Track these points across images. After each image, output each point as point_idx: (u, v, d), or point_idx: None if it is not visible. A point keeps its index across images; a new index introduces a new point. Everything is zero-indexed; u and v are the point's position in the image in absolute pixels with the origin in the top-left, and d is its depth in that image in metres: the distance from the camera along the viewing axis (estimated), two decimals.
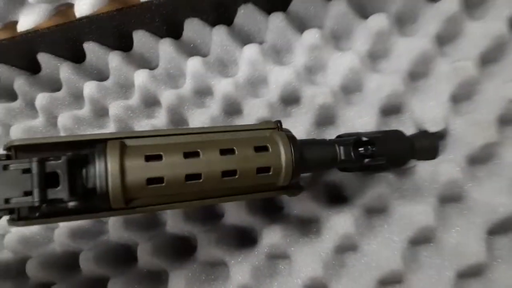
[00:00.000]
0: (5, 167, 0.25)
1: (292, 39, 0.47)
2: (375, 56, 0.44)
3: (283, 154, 0.30)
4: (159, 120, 0.49)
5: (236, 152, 0.30)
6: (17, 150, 0.28)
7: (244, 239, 0.43)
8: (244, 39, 0.49)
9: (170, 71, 0.51)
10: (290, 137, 0.31)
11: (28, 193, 0.25)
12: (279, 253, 0.40)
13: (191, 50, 0.50)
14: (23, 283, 0.48)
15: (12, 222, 0.28)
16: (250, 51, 0.45)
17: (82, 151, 0.28)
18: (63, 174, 0.26)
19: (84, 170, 0.27)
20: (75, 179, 0.26)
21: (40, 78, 0.55)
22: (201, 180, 0.29)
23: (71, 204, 0.26)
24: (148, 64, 0.53)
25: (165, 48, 0.49)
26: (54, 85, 0.55)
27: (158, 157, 0.28)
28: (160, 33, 0.50)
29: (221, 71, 0.49)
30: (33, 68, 0.55)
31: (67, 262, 0.48)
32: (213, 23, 0.49)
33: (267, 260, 0.41)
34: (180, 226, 0.44)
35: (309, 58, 0.45)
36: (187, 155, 0.29)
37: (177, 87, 0.51)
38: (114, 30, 0.50)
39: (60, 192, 0.26)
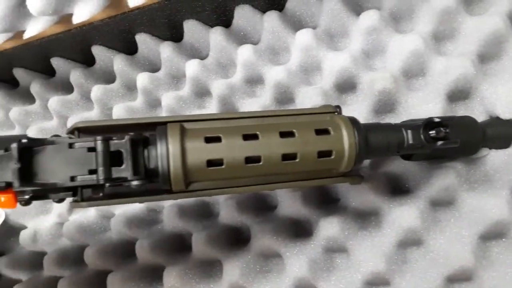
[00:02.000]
0: (70, 146, 0.25)
1: (347, 22, 0.44)
2: (440, 37, 0.41)
3: (346, 138, 0.28)
4: (210, 110, 0.49)
5: (297, 135, 0.28)
6: (80, 132, 0.28)
7: (299, 231, 0.42)
8: (296, 24, 0.47)
9: (221, 60, 0.50)
10: (353, 120, 0.29)
11: (93, 172, 0.25)
12: (336, 247, 0.38)
13: (242, 38, 0.49)
14: (81, 270, 0.49)
15: (76, 203, 0.28)
16: (303, 37, 0.44)
17: (143, 133, 0.28)
18: (126, 153, 0.25)
19: (145, 152, 0.27)
20: (137, 159, 0.26)
21: (95, 70, 0.56)
22: (260, 163, 0.28)
23: (134, 184, 0.26)
24: (198, 53, 0.52)
25: (216, 37, 0.48)
26: (108, 77, 0.56)
27: (218, 139, 0.27)
28: (210, 22, 0.50)
29: (272, 59, 0.48)
30: (88, 60, 0.56)
31: (123, 250, 0.48)
32: (263, 9, 0.48)
33: (323, 253, 0.39)
34: (234, 217, 0.43)
35: (366, 42, 0.43)
36: (246, 137, 0.28)
37: (227, 77, 0.50)
38: (165, 21, 0.50)
39: (124, 171, 0.25)
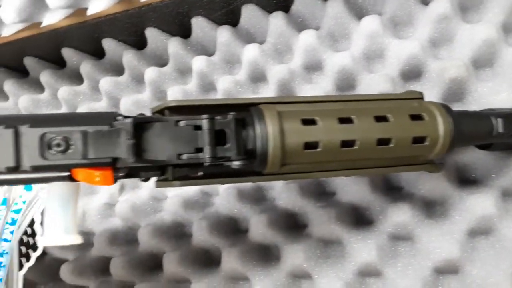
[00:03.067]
0: (176, 123, 0.25)
1: (414, 10, 0.44)
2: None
3: (441, 124, 0.28)
4: (267, 95, 0.49)
5: (391, 120, 0.28)
6: (171, 112, 0.28)
7: (359, 218, 0.42)
8: (358, 11, 0.47)
9: (278, 46, 0.50)
10: (446, 107, 0.29)
11: (199, 150, 0.25)
12: (403, 234, 0.39)
13: (300, 24, 0.49)
14: (132, 250, 0.49)
15: (165, 182, 0.29)
16: (369, 23, 0.43)
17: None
18: (230, 132, 0.26)
19: (243, 132, 0.27)
20: (240, 139, 0.26)
21: (147, 53, 0.56)
22: (355, 148, 0.28)
23: (235, 164, 0.26)
24: (252, 39, 0.52)
25: (277, 22, 0.48)
26: (161, 60, 0.56)
27: (314, 122, 0.27)
28: (268, 8, 0.50)
29: (331, 45, 0.48)
30: (140, 43, 0.56)
31: (178, 231, 0.49)
32: None
33: (389, 240, 0.39)
34: (294, 201, 0.44)
35: (435, 31, 0.42)
36: (342, 120, 0.28)
37: (282, 62, 0.50)
38: (223, 4, 0.50)
39: (228, 150, 0.25)
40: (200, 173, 0.27)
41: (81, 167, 0.24)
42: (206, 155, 0.25)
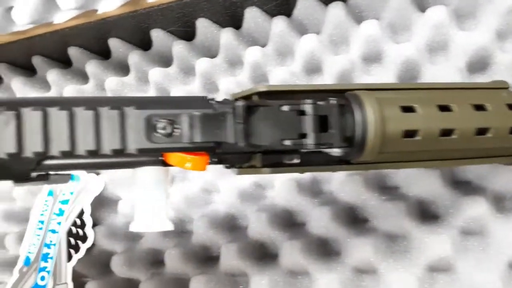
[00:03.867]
0: (279, 108, 0.25)
1: (479, 1, 0.43)
2: None
3: None
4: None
5: (489, 109, 0.27)
6: (260, 97, 0.28)
7: (425, 212, 0.41)
8: (420, 3, 0.46)
9: (333, 37, 0.49)
10: None
11: (302, 136, 0.25)
12: (475, 228, 0.38)
13: (359, 14, 0.48)
14: (186, 243, 0.49)
15: (250, 170, 0.28)
16: (436, 14, 0.43)
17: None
18: (333, 118, 0.25)
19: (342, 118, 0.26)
20: (342, 126, 0.25)
21: (196, 44, 0.55)
22: (454, 137, 0.27)
23: (336, 151, 0.25)
24: (305, 30, 0.51)
25: (336, 13, 0.47)
26: (209, 52, 0.55)
27: (413, 109, 0.27)
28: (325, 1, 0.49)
29: (391, 36, 0.47)
30: (188, 34, 0.55)
31: (231, 224, 0.48)
32: None
33: (460, 234, 0.38)
34: (356, 195, 0.43)
35: (501, 23, 0.42)
36: (442, 108, 0.27)
37: (337, 53, 0.49)
38: None
39: (331, 137, 0.25)
40: (297, 161, 0.26)
41: (185, 151, 0.24)
42: (309, 141, 0.24)
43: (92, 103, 0.23)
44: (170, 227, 0.27)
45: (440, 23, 0.43)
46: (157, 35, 0.56)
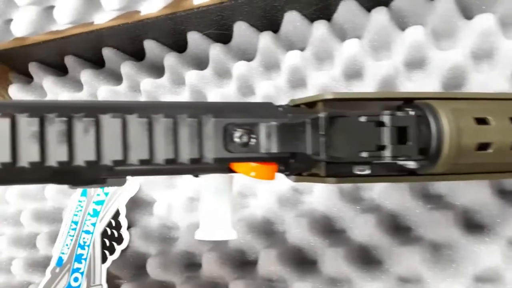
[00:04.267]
0: (357, 118, 0.24)
1: None
2: None
3: None
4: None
5: None
6: (325, 105, 0.27)
7: (469, 221, 0.41)
8: (466, 10, 0.46)
9: (374, 43, 0.49)
10: None
11: (381, 148, 0.24)
12: None
13: (402, 20, 0.48)
14: (220, 246, 0.49)
15: (312, 178, 0.28)
16: (483, 21, 0.42)
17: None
18: (413, 130, 0.24)
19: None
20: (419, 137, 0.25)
21: (232, 47, 0.55)
22: None
23: (411, 164, 0.25)
24: (345, 35, 0.51)
25: (380, 18, 0.47)
26: (244, 55, 0.55)
27: (486, 121, 0.26)
28: (367, 4, 0.49)
29: (435, 43, 0.46)
30: (224, 38, 0.55)
31: (267, 228, 0.48)
32: None
33: (508, 244, 0.38)
34: (400, 203, 0.42)
35: None
36: None
37: (378, 59, 0.49)
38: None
39: (409, 149, 0.24)
40: (367, 171, 0.26)
41: (261, 162, 0.24)
42: (387, 154, 0.24)
43: (170, 110, 0.23)
44: (234, 236, 0.26)
45: (487, 31, 0.42)
46: (193, 38, 0.56)
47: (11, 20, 0.55)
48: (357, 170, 0.26)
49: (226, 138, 0.23)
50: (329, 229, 0.46)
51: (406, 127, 0.24)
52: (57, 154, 0.21)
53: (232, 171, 0.26)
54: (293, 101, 0.29)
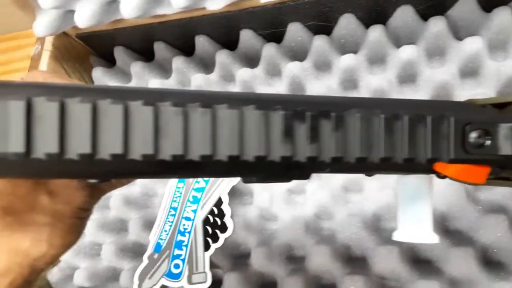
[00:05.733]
0: None
1: None
2: None
3: None
4: (421, 96, 0.49)
5: None
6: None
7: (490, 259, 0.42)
8: None
9: (430, 48, 0.50)
10: None
11: None
12: None
13: (460, 29, 0.50)
14: (329, 238, 0.49)
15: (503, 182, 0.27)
16: None
17: None
18: None
19: None
20: None
21: (284, 46, 0.57)
22: None
23: None
24: (398, 41, 0.52)
25: (437, 26, 0.48)
26: (296, 55, 0.57)
27: None
28: (424, 13, 0.50)
29: (491, 53, 0.47)
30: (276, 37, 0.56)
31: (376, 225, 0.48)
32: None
33: None
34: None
35: None
36: None
37: (432, 67, 0.50)
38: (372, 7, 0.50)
39: None
40: None
41: (494, 164, 0.23)
42: None
43: (397, 108, 0.22)
44: (435, 239, 0.26)
45: None
46: (246, 34, 0.57)
47: (114, 1, 0.54)
48: None
49: (464, 139, 0.23)
50: (444, 228, 0.45)
51: None
52: (252, 149, 0.20)
53: (434, 172, 0.26)
54: (475, 100, 0.29)
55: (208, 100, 0.20)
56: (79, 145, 0.18)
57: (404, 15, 0.50)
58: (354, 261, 0.47)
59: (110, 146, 0.18)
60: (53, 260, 0.26)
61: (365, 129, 0.21)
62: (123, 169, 0.19)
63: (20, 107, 0.17)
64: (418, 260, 0.44)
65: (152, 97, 0.19)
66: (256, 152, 0.20)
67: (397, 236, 0.26)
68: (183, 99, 0.20)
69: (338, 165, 0.21)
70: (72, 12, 0.55)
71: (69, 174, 0.20)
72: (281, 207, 0.52)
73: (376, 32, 0.51)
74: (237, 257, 0.52)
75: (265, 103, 0.20)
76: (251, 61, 0.59)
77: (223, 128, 0.20)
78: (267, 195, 0.53)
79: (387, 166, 0.22)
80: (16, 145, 0.17)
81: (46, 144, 0.18)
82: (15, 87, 0.18)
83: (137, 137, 0.19)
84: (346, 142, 0.21)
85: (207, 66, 0.62)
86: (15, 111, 0.17)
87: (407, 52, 0.49)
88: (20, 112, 0.17)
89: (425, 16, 0.50)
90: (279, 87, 0.56)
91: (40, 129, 0.18)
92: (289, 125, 0.20)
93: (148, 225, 0.56)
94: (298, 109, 0.21)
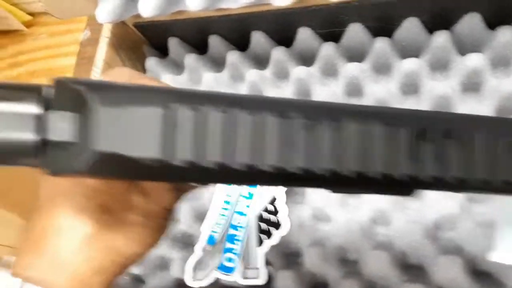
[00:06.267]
0: None
1: None
2: None
3: None
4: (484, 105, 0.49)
5: None
6: None
7: None
8: None
9: (496, 60, 0.49)
10: None
11: None
12: None
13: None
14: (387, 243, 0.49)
15: None
16: None
17: None
18: None
19: None
20: None
21: (343, 45, 0.56)
22: None
23: None
24: (463, 47, 0.51)
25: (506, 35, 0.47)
26: (355, 54, 0.56)
27: None
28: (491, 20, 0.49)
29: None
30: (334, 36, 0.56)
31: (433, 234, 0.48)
32: None
33: None
34: None
35: None
36: None
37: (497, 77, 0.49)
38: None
39: None
40: None
41: None
42: None
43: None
44: None
45: None
46: (303, 32, 0.56)
47: None
48: None
49: None
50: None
51: None
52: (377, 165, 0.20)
53: None
54: None
55: (336, 114, 0.20)
56: (213, 153, 0.18)
57: (471, 22, 0.49)
58: (411, 269, 0.46)
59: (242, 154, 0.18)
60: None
61: (490, 151, 0.21)
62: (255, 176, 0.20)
63: (158, 114, 0.18)
64: (480, 273, 0.44)
65: (280, 108, 0.19)
66: (382, 169, 0.20)
67: (495, 257, 0.26)
68: (313, 112, 0.20)
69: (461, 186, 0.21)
70: (135, 0, 0.55)
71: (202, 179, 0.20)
72: (335, 208, 0.52)
73: (441, 38, 0.50)
74: (289, 255, 0.52)
75: (391, 120, 0.20)
76: (307, 59, 0.59)
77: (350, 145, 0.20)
78: (319, 196, 0.53)
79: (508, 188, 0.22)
80: (153, 151, 0.18)
81: (183, 151, 0.18)
82: (153, 93, 0.18)
83: (267, 147, 0.19)
84: (471, 162, 0.21)
85: (261, 62, 0.62)
86: (153, 117, 0.18)
87: (473, 60, 0.48)
88: (157, 118, 0.18)
89: (491, 25, 0.49)
90: (335, 88, 0.56)
91: (177, 136, 0.18)
92: (416, 143, 0.20)
93: (199, 216, 0.56)
94: (424, 127, 0.20)
